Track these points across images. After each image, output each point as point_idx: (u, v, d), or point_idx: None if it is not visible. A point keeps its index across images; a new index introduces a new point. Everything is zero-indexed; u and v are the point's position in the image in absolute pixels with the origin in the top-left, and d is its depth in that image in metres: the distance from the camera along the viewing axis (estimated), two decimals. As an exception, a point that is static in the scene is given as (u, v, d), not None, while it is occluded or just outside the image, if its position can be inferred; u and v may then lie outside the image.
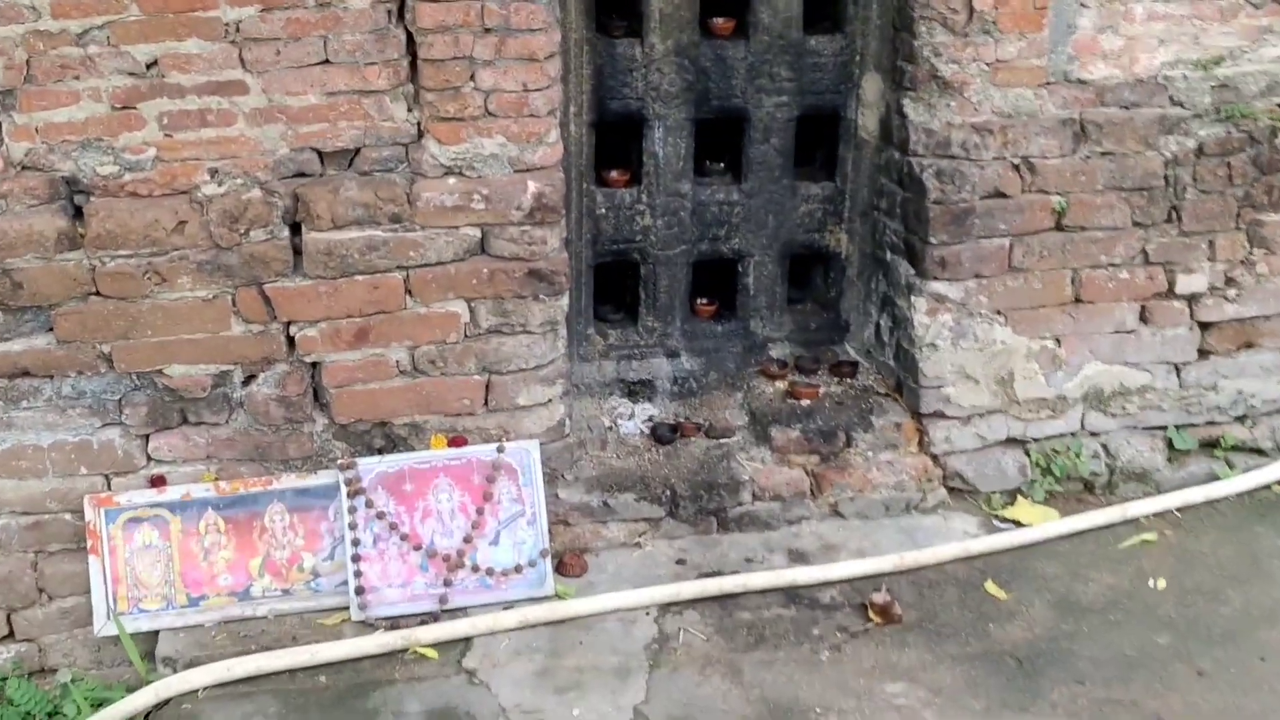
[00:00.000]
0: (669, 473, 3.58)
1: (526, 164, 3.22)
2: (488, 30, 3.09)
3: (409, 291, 3.21)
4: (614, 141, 3.82)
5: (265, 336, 3.18)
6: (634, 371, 3.95)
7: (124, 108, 3.01)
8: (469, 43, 3.09)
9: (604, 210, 3.79)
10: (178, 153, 3.07)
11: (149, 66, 2.99)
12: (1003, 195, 3.56)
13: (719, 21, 3.72)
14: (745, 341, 4.02)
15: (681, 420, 3.78)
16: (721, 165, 3.94)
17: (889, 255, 3.80)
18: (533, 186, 3.21)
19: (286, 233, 3.13)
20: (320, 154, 3.16)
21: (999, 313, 3.65)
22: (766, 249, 3.94)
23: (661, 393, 3.91)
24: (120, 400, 3.16)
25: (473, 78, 3.12)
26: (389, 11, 3.07)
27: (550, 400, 3.40)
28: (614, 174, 3.80)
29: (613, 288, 4.01)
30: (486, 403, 3.35)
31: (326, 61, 3.07)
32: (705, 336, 4.01)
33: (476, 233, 3.22)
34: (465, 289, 3.24)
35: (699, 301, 4.01)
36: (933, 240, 3.57)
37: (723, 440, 3.71)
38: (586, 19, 3.58)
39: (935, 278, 3.60)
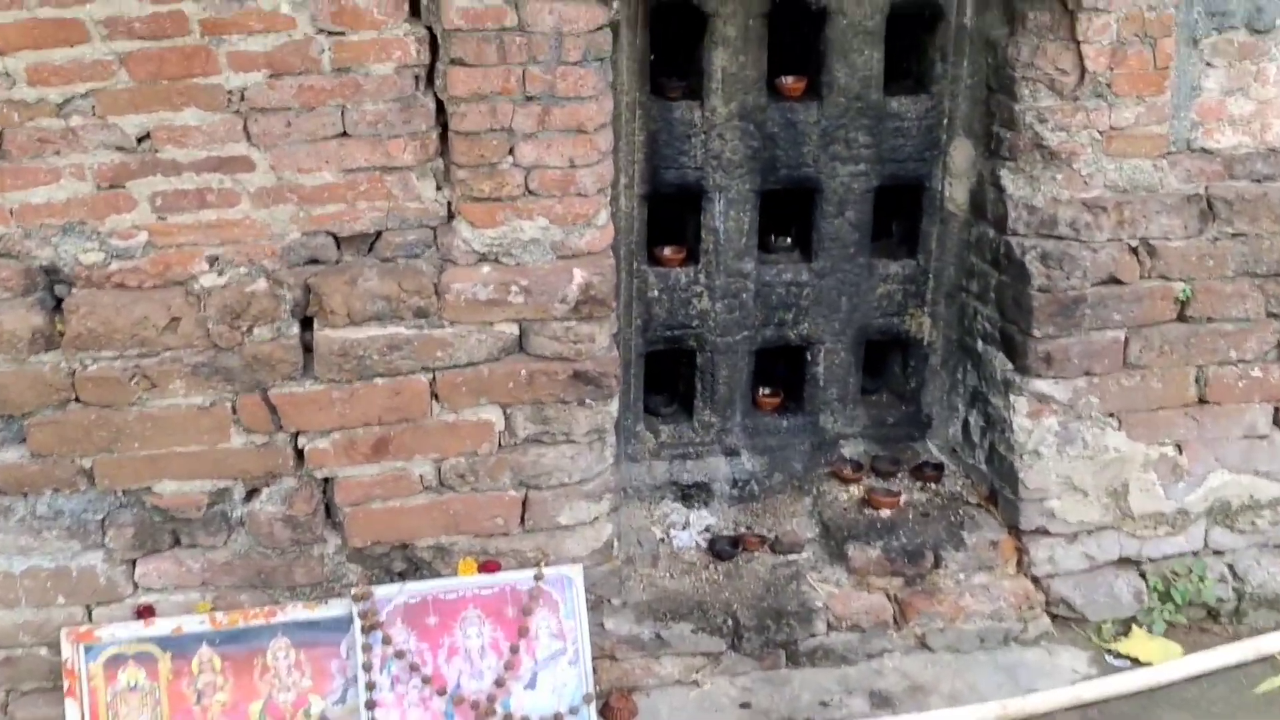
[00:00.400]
0: (730, 596, 3.13)
1: (572, 249, 2.80)
2: (530, 99, 2.68)
3: (435, 396, 2.80)
4: (669, 215, 3.40)
5: (269, 449, 2.76)
6: (689, 473, 3.51)
7: (111, 187, 2.62)
8: (508, 112, 2.68)
9: (657, 292, 3.36)
10: (172, 238, 2.67)
11: (140, 140, 2.61)
12: (1118, 282, 3.11)
13: (788, 81, 3.30)
14: (814, 438, 3.58)
15: (743, 531, 3.33)
16: (789, 241, 3.51)
17: (980, 345, 3.35)
18: (579, 276, 2.78)
19: (296, 329, 2.73)
20: (336, 239, 2.76)
21: (1112, 415, 3.19)
22: (839, 335, 3.50)
23: (719, 497, 3.47)
24: (103, 520, 2.77)
25: (511, 152, 2.71)
26: (416, 77, 2.66)
27: (596, 518, 2.96)
28: (668, 251, 3.39)
29: (665, 377, 3.59)
30: (523, 522, 2.92)
31: (344, 134, 2.67)
32: (768, 432, 3.56)
33: (514, 329, 2.79)
34: (500, 393, 2.82)
35: (761, 392, 3.58)
36: (1036, 332, 3.11)
37: (791, 556, 3.26)
38: (640, 80, 3.17)
39: (1039, 375, 3.14)
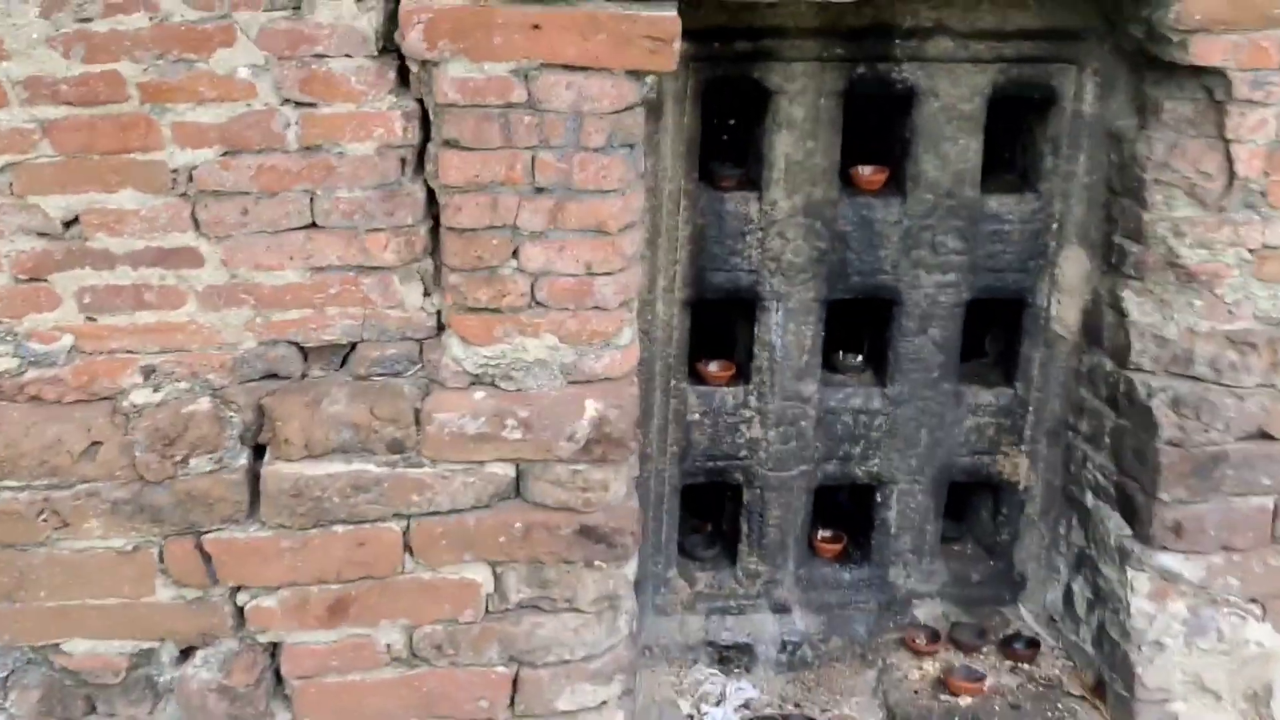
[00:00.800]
0: (768, 802, 2.55)
1: (586, 374, 2.28)
2: (539, 190, 2.17)
3: (409, 549, 2.29)
4: (716, 325, 2.87)
5: (203, 605, 2.27)
6: (729, 631, 2.94)
7: (31, 280, 2.18)
8: (512, 206, 2.18)
9: (698, 415, 2.83)
10: (102, 343, 2.21)
11: (67, 225, 2.16)
12: (1268, 438, 2.51)
13: (866, 172, 2.76)
14: (881, 595, 2.99)
15: (790, 711, 2.75)
16: (859, 360, 2.95)
17: (1090, 498, 2.75)
18: (592, 409, 2.26)
19: (243, 461, 2.24)
20: (302, 350, 2.27)
21: (1254, 601, 2.59)
22: (916, 473, 2.92)
23: (764, 662, 2.90)
24: (4, 680, 2.30)
25: (515, 255, 2.21)
26: (402, 160, 2.18)
27: (604, 703, 2.42)
28: (714, 368, 2.86)
29: (705, 514, 3.04)
30: (512, 705, 2.39)
31: (313, 225, 2.19)
32: (827, 586, 2.99)
33: (509, 471, 2.28)
34: (489, 548, 2.30)
35: (820, 536, 3.01)
36: (1163, 495, 2.51)
37: (846, 750, 2.67)
38: (687, 165, 2.66)
39: (1164, 547, 2.55)
